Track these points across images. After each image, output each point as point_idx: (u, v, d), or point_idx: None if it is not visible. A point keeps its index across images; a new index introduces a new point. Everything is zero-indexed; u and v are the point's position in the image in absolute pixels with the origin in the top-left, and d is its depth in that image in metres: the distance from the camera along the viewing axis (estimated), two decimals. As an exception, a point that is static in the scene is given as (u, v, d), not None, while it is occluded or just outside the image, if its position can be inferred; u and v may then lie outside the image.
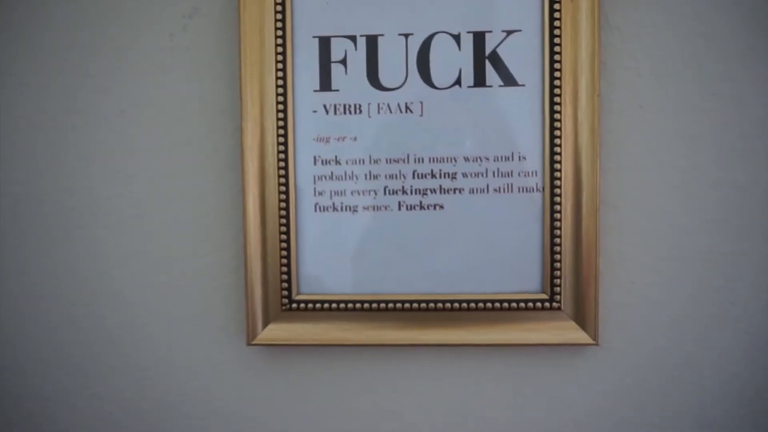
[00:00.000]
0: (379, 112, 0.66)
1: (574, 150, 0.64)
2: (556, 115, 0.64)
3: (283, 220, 0.67)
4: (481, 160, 0.65)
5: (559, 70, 0.63)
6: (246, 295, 0.68)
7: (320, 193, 0.67)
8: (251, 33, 0.65)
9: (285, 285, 0.67)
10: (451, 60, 0.65)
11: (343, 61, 0.66)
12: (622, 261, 0.67)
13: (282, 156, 0.66)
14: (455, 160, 0.66)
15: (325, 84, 0.66)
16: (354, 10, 0.66)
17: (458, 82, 0.65)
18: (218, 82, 0.69)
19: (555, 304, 0.65)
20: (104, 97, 0.70)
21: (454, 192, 0.66)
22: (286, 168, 0.67)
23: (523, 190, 0.65)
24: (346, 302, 0.67)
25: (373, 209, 0.67)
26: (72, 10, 0.70)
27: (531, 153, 0.65)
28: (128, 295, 0.72)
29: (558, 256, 0.65)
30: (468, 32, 0.65)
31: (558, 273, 0.65)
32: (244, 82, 0.66)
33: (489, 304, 0.66)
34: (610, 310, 0.67)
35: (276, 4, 0.65)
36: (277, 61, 0.66)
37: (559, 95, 0.64)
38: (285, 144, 0.66)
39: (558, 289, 0.65)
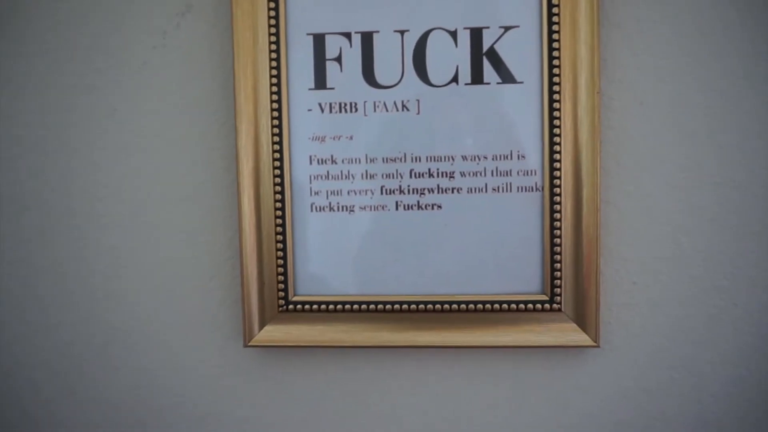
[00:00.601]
0: (375, 111, 0.65)
1: (574, 148, 0.63)
2: (556, 113, 0.63)
3: (279, 221, 0.66)
4: (479, 158, 0.64)
5: (558, 66, 0.62)
6: (242, 296, 0.67)
7: (316, 193, 0.66)
8: (244, 30, 0.64)
9: (281, 286, 0.67)
10: (448, 57, 0.64)
11: (338, 59, 0.65)
12: (623, 261, 0.66)
13: (277, 155, 0.66)
14: (453, 159, 0.65)
15: (320, 82, 0.65)
16: (349, 6, 0.65)
17: (455, 79, 0.64)
18: (212, 80, 0.68)
19: (555, 306, 0.64)
20: (96, 97, 0.70)
21: (452, 191, 0.65)
22: (281, 168, 0.66)
23: (522, 190, 0.64)
24: (343, 303, 0.67)
25: (370, 209, 0.66)
26: (63, 8, 0.69)
27: (530, 151, 0.64)
28: (122, 297, 0.72)
29: (558, 257, 0.64)
30: (465, 28, 0.64)
31: (558, 273, 0.64)
32: (238, 80, 0.65)
33: (488, 306, 0.65)
34: (612, 311, 0.66)
35: (269, 0, 0.64)
36: (270, 59, 0.65)
37: (559, 92, 0.63)
38: (280, 143, 0.66)
39: (558, 290, 0.64)
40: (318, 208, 0.66)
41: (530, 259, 0.65)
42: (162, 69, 0.69)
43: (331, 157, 0.66)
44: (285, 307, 0.67)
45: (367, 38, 0.65)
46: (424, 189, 0.65)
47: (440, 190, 0.65)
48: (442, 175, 0.65)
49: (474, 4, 0.63)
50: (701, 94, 0.64)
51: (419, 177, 0.65)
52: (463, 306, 0.65)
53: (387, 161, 0.65)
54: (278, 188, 0.66)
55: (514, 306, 0.65)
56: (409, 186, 0.65)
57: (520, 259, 0.65)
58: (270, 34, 0.65)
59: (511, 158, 0.64)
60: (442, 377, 0.69)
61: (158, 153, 0.70)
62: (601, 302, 0.65)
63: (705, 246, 0.65)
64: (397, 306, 0.66)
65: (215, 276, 0.70)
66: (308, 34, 0.65)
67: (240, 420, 0.72)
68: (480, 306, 0.65)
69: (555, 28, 0.62)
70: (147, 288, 0.71)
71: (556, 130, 0.63)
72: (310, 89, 0.66)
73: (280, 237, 0.66)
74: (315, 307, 0.67)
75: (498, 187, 0.64)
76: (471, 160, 0.64)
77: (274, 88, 0.65)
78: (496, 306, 0.65)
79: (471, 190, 0.65)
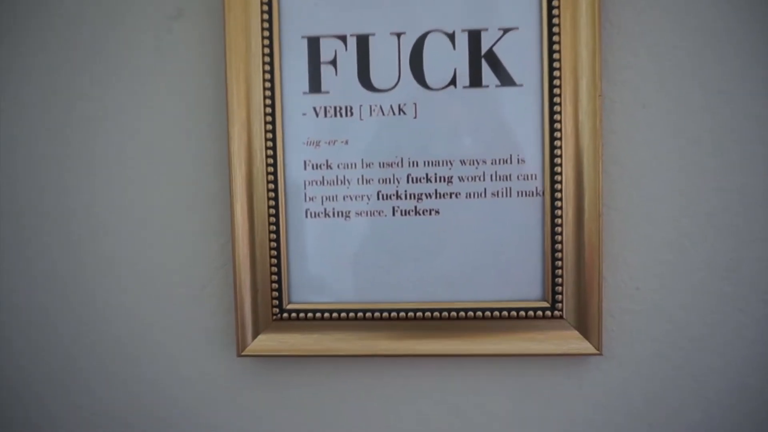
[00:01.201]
0: (371, 114, 0.64)
1: (575, 152, 0.62)
2: (556, 116, 0.62)
3: (273, 227, 0.65)
4: (478, 163, 0.63)
5: (559, 69, 0.61)
6: (235, 304, 0.66)
7: (311, 199, 0.65)
8: (236, 34, 0.63)
9: (275, 294, 0.66)
10: (446, 59, 0.63)
11: (333, 62, 0.64)
12: (626, 267, 0.65)
13: (270, 161, 0.64)
14: (451, 164, 0.63)
15: (315, 86, 0.64)
16: (344, 8, 0.63)
17: (453, 82, 0.63)
18: (205, 85, 0.67)
19: (557, 313, 0.63)
20: (88, 102, 0.69)
21: (451, 196, 0.64)
22: (275, 173, 0.64)
23: (522, 194, 0.63)
24: (339, 311, 0.65)
25: (367, 215, 0.65)
26: (54, 11, 0.68)
27: (530, 155, 0.63)
28: (113, 305, 0.70)
29: (559, 263, 0.63)
30: (463, 30, 0.62)
31: (559, 280, 0.63)
32: (230, 84, 0.63)
33: (487, 313, 0.64)
34: (615, 318, 0.65)
35: (262, 3, 0.63)
36: (264, 63, 0.63)
37: (559, 95, 0.61)
38: (273, 148, 0.64)
39: (559, 296, 0.63)
40: (313, 214, 0.65)
41: (531, 265, 0.63)
42: (154, 73, 0.68)
43: (326, 162, 0.65)
44: (279, 315, 0.66)
45: (362, 41, 0.63)
46: (421, 194, 0.64)
47: (438, 195, 0.64)
48: (440, 180, 0.64)
49: (472, 6, 0.62)
50: (704, 97, 0.63)
51: (416, 182, 0.64)
52: (462, 313, 0.64)
53: (383, 166, 0.64)
54: (272, 194, 0.65)
55: (514, 313, 0.63)
56: (406, 191, 0.64)
57: (520, 265, 0.64)
58: (263, 38, 0.63)
59: (511, 162, 0.63)
60: (441, 386, 0.68)
61: (149, 159, 0.68)
62: (604, 309, 0.64)
63: (709, 251, 0.64)
64: (394, 314, 0.65)
65: (208, 284, 0.69)
66: (302, 37, 0.64)
67: (236, 430, 0.70)
68: (479, 313, 0.64)
69: (555, 29, 0.61)
70: (137, 296, 0.70)
71: (557, 134, 0.62)
72: (304, 93, 0.64)
73: (274, 244, 0.65)
74: (310, 315, 0.65)
75: (497, 192, 0.63)
76: (469, 164, 0.63)
77: (268, 92, 0.64)
78: (496, 313, 0.64)
79: (470, 195, 0.63)
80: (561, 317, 0.63)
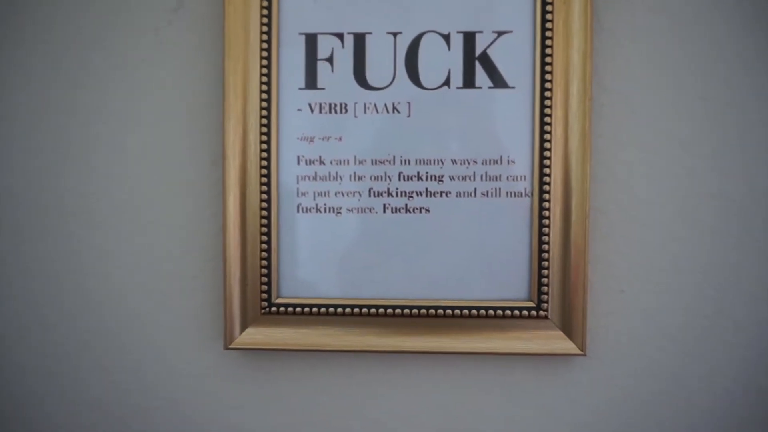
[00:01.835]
0: (365, 112, 0.65)
1: (564, 155, 0.62)
2: (547, 119, 0.62)
3: (264, 221, 0.65)
4: (468, 163, 0.64)
5: (551, 72, 0.62)
6: (224, 297, 0.66)
7: (303, 194, 0.65)
8: (235, 28, 0.64)
9: (265, 288, 0.66)
10: (441, 60, 0.64)
11: (330, 59, 0.64)
12: (611, 269, 0.65)
13: (264, 155, 0.65)
14: (442, 163, 0.64)
15: (311, 82, 0.65)
16: (342, 7, 0.64)
17: (447, 82, 0.64)
18: (202, 78, 0.68)
19: (542, 313, 0.64)
20: (84, 93, 0.69)
21: (441, 195, 0.64)
22: (268, 167, 0.65)
23: (511, 195, 0.64)
24: (328, 306, 0.65)
25: (358, 211, 0.65)
26: (53, 5, 0.68)
27: (520, 157, 0.64)
28: (102, 297, 0.70)
29: (546, 263, 0.63)
30: (458, 32, 0.63)
31: (546, 280, 0.63)
32: (227, 78, 0.64)
33: (474, 311, 0.64)
34: (599, 319, 0.66)
35: (262, -1, 0.64)
36: (261, 58, 0.64)
37: (550, 98, 0.62)
38: (268, 143, 0.65)
39: (545, 297, 0.63)
40: (305, 209, 0.66)
41: (518, 265, 0.64)
42: (153, 66, 0.68)
43: (320, 157, 0.65)
44: (268, 309, 0.66)
45: (359, 39, 0.64)
46: (412, 192, 0.65)
47: (429, 194, 0.64)
48: (431, 179, 0.64)
49: (468, 8, 0.63)
50: (693, 102, 0.64)
51: (408, 180, 0.64)
52: (449, 311, 0.64)
53: (375, 163, 0.65)
54: (264, 188, 0.65)
55: (500, 312, 0.64)
56: (397, 189, 0.65)
57: (507, 264, 0.64)
58: (262, 33, 0.64)
59: (501, 163, 0.64)
60: (427, 383, 0.68)
61: (144, 151, 0.69)
62: (589, 310, 0.64)
63: (695, 255, 0.65)
64: (382, 310, 0.65)
65: (198, 276, 0.69)
66: (300, 34, 0.65)
67: (220, 425, 0.70)
68: (466, 311, 0.64)
69: (548, 34, 0.62)
70: (126, 288, 0.70)
71: (547, 136, 0.62)
72: (300, 89, 0.65)
73: (264, 237, 0.65)
74: (299, 309, 0.66)
75: (487, 192, 0.64)
76: (460, 164, 0.64)
77: (264, 87, 0.64)
78: (483, 312, 0.64)
79: (460, 194, 0.64)
80: (546, 317, 0.64)
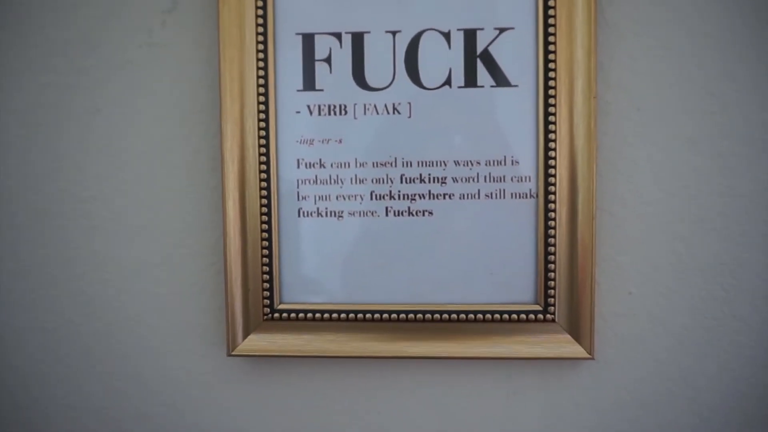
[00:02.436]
0: (365, 113, 0.63)
1: (569, 154, 0.61)
2: (551, 118, 0.61)
3: (265, 226, 0.64)
4: (472, 164, 0.63)
5: (554, 70, 0.61)
6: (226, 303, 0.65)
7: (304, 198, 0.64)
8: (230, 29, 0.62)
9: (266, 294, 0.65)
10: (441, 59, 0.62)
11: (328, 60, 0.63)
12: (619, 270, 0.64)
13: (263, 159, 0.64)
14: (445, 164, 0.63)
15: (309, 83, 0.63)
16: (339, 6, 0.63)
17: (448, 82, 0.62)
18: (198, 80, 0.66)
19: (549, 316, 0.63)
20: (79, 96, 0.68)
21: (444, 197, 0.63)
22: (267, 171, 0.64)
23: (516, 196, 0.63)
24: (330, 312, 0.65)
25: (359, 215, 0.64)
26: (47, 4, 0.67)
27: (524, 157, 0.62)
28: (102, 302, 0.70)
29: (552, 266, 0.62)
30: (458, 30, 0.62)
31: (552, 283, 0.62)
32: (224, 81, 0.63)
33: (479, 316, 0.63)
34: (607, 322, 0.65)
35: (257, -2, 0.62)
36: (258, 59, 0.63)
37: (554, 96, 0.61)
38: (266, 146, 0.64)
39: (552, 300, 0.62)
40: (305, 213, 0.65)
41: (523, 268, 0.63)
42: (147, 68, 0.67)
43: (320, 160, 0.64)
44: (270, 315, 0.65)
45: (357, 39, 0.63)
46: (415, 195, 0.63)
47: (432, 196, 0.63)
48: (434, 181, 0.63)
49: (468, 5, 0.61)
50: (700, 99, 0.62)
51: (410, 182, 0.63)
52: (454, 316, 0.63)
53: (377, 166, 0.64)
54: (264, 192, 0.64)
55: (506, 316, 0.63)
56: (399, 191, 0.63)
57: (513, 267, 0.63)
58: (258, 33, 0.63)
59: (505, 164, 0.62)
60: (432, 389, 0.67)
61: (141, 155, 0.68)
62: (596, 313, 0.63)
63: (703, 255, 0.64)
64: (386, 315, 0.64)
65: (198, 282, 0.68)
66: (297, 34, 0.63)
67: (223, 430, 0.70)
68: (471, 316, 0.63)
69: (551, 30, 0.60)
70: (126, 294, 0.69)
71: (552, 135, 0.61)
72: (298, 90, 0.64)
73: (265, 243, 0.64)
74: (301, 315, 0.65)
75: (491, 194, 0.63)
76: (463, 165, 0.63)
77: (261, 89, 0.63)
78: (488, 316, 0.63)
79: (463, 196, 0.63)
80: (553, 321, 0.63)
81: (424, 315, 0.64)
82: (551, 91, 0.61)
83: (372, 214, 0.64)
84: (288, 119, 0.64)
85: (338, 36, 0.63)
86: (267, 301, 0.65)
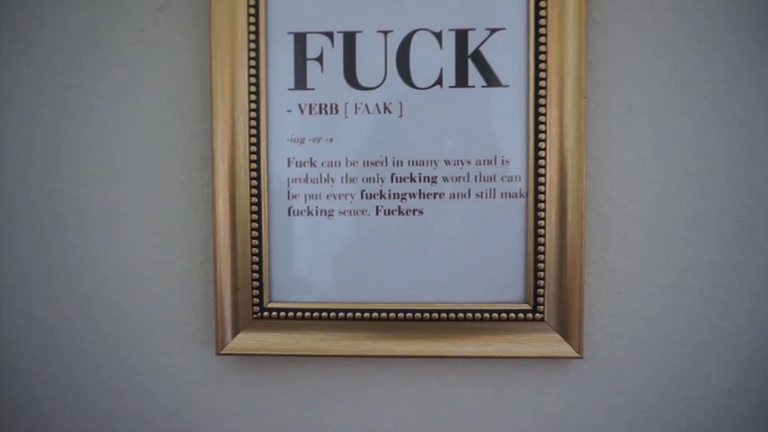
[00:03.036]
0: (356, 113, 0.63)
1: (559, 154, 0.61)
2: (541, 118, 0.61)
3: (255, 225, 0.64)
4: (462, 163, 0.63)
5: (545, 70, 0.61)
6: (215, 302, 0.65)
7: (294, 197, 0.64)
8: (222, 27, 0.62)
9: (256, 292, 0.65)
10: (432, 59, 0.62)
11: (320, 59, 0.63)
12: (608, 270, 0.64)
13: (254, 157, 0.64)
14: (435, 164, 0.63)
15: (300, 82, 0.63)
16: (331, 5, 0.63)
17: (439, 81, 0.62)
18: (190, 78, 0.66)
19: (538, 315, 0.63)
20: (71, 94, 0.68)
21: (434, 197, 0.63)
22: (258, 170, 0.64)
23: (506, 196, 0.63)
24: (320, 311, 0.65)
25: (350, 214, 0.64)
26: (39, 3, 0.67)
27: (515, 157, 0.62)
28: (93, 300, 0.69)
29: (542, 265, 0.62)
30: (450, 30, 0.62)
31: (541, 282, 0.62)
32: (215, 79, 0.63)
33: (469, 315, 0.63)
34: (596, 321, 0.65)
35: (249, -4, 0.62)
36: (249, 58, 0.63)
37: (545, 97, 0.61)
38: (257, 145, 0.64)
39: (541, 299, 0.63)
40: (296, 212, 0.64)
41: (513, 267, 0.63)
42: (139, 66, 0.67)
43: (311, 159, 0.64)
44: (260, 313, 0.65)
45: (349, 38, 0.63)
46: (405, 194, 0.63)
47: (422, 195, 0.63)
48: (424, 180, 0.63)
49: (460, 6, 0.62)
50: (690, 100, 0.63)
51: (401, 181, 0.63)
52: (444, 315, 0.63)
53: (368, 165, 0.64)
54: (254, 191, 0.64)
55: (496, 315, 0.63)
56: (390, 190, 0.64)
57: (502, 266, 0.63)
58: (249, 32, 0.63)
59: (495, 163, 0.63)
60: (422, 388, 0.67)
61: (133, 153, 0.67)
62: (585, 312, 0.63)
63: (692, 255, 0.64)
64: (376, 314, 0.64)
65: (188, 281, 0.68)
66: (289, 33, 0.63)
67: (213, 429, 0.69)
68: (461, 315, 0.63)
69: (542, 30, 0.61)
70: (117, 292, 0.69)
71: (542, 135, 0.61)
72: (289, 89, 0.64)
73: (255, 241, 0.64)
74: (291, 314, 0.65)
75: (481, 193, 0.63)
76: (454, 164, 0.63)
77: (253, 88, 0.63)
78: (478, 315, 0.63)
79: (453, 195, 0.63)
80: (542, 320, 0.63)
81: (414, 314, 0.64)
82: (542, 92, 0.61)
83: (362, 213, 0.64)
84: (279, 118, 0.64)
85: (330, 35, 0.63)
86: (256, 300, 0.65)
